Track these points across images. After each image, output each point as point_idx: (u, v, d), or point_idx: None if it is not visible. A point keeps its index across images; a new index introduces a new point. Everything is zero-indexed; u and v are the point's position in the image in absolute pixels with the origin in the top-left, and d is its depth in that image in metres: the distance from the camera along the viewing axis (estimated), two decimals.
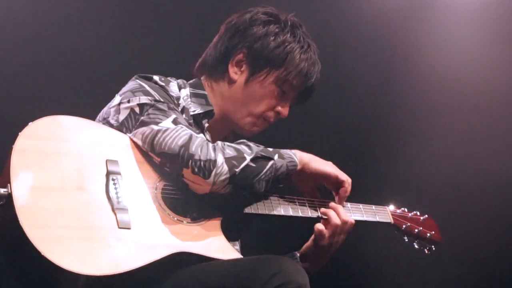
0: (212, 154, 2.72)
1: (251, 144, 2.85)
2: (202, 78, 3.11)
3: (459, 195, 4.50)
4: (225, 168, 2.72)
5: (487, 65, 4.54)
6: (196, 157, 2.70)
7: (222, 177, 2.72)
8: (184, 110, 2.97)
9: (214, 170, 2.71)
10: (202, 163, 2.70)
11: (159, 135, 2.75)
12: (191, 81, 3.09)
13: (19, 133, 2.65)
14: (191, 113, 2.99)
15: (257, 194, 2.85)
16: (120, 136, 2.83)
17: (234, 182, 2.75)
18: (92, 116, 2.89)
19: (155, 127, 2.76)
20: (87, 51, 4.07)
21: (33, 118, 2.70)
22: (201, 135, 2.84)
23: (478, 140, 4.55)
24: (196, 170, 2.70)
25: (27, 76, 3.95)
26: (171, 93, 2.92)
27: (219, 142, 2.80)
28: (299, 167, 2.90)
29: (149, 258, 2.58)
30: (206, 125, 3.02)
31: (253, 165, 2.78)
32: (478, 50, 4.55)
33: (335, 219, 2.93)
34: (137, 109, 2.83)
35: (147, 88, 2.87)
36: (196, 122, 3.01)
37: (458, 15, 4.57)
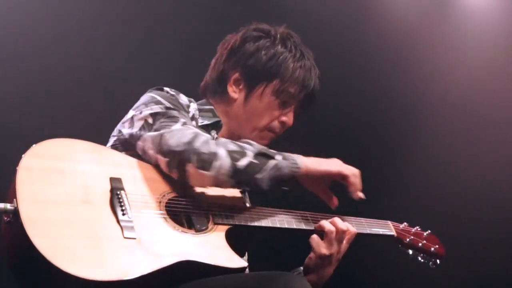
0: (215, 148, 2.80)
1: (253, 143, 2.93)
2: (208, 98, 3.23)
3: (460, 210, 4.52)
4: (227, 161, 2.79)
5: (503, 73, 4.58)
6: (199, 150, 2.77)
7: (224, 170, 2.79)
8: (193, 118, 3.07)
9: (216, 163, 2.77)
10: (204, 156, 2.77)
11: (166, 135, 2.84)
12: (198, 101, 3.20)
13: (22, 155, 2.71)
14: (199, 124, 3.09)
15: (261, 192, 2.90)
16: (123, 157, 2.91)
17: (236, 176, 2.81)
18: (97, 137, 2.95)
19: (162, 130, 2.86)
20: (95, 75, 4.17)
21: (37, 141, 2.77)
22: (207, 135, 2.91)
23: (485, 153, 4.58)
24: (199, 164, 2.77)
25: (33, 98, 4.03)
26: (181, 101, 3.04)
27: (222, 138, 2.89)
28: (302, 170, 2.94)
29: (155, 265, 2.59)
30: (215, 136, 3.09)
31: (256, 161, 2.84)
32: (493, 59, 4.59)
33: (328, 226, 2.97)
34: (150, 120, 2.93)
35: (158, 98, 2.98)
36: None
37: (472, 19, 4.63)
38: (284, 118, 3.18)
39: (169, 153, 2.82)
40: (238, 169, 2.81)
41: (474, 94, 4.64)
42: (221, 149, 2.80)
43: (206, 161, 2.77)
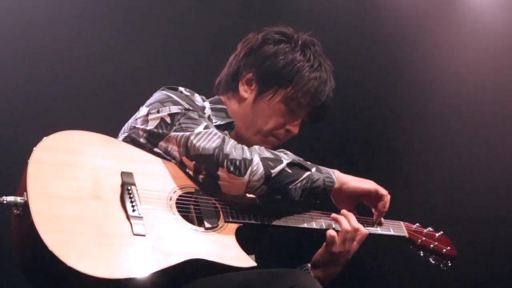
0: (248, 154, 2.81)
1: (289, 152, 2.93)
2: (220, 95, 3.19)
3: (474, 211, 4.50)
4: (261, 167, 2.80)
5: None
6: (231, 156, 2.78)
7: (257, 176, 2.79)
8: (209, 119, 3.04)
9: (250, 168, 2.79)
10: (238, 161, 2.78)
11: (191, 137, 2.83)
12: (210, 99, 3.16)
13: (34, 148, 2.69)
14: (213, 124, 3.05)
15: (292, 201, 2.91)
16: (135, 150, 2.89)
17: (269, 183, 2.82)
18: (108, 130, 2.94)
19: (187, 132, 2.84)
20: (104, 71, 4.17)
21: (48, 133, 2.75)
22: (233, 140, 2.89)
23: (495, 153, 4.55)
24: (231, 168, 2.77)
25: (44, 92, 4.03)
26: (196, 102, 3.00)
27: (256, 146, 2.88)
28: (336, 185, 2.95)
29: (163, 264, 2.59)
30: (228, 136, 3.06)
31: (289, 171, 2.85)
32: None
33: (346, 225, 2.95)
34: (168, 119, 2.90)
35: (176, 98, 2.94)
36: None
37: (477, 16, 4.59)
38: (289, 127, 3.13)
39: (197, 157, 2.82)
40: (271, 176, 2.81)
41: (482, 93, 4.60)
42: (255, 155, 2.80)
43: (239, 166, 2.77)
